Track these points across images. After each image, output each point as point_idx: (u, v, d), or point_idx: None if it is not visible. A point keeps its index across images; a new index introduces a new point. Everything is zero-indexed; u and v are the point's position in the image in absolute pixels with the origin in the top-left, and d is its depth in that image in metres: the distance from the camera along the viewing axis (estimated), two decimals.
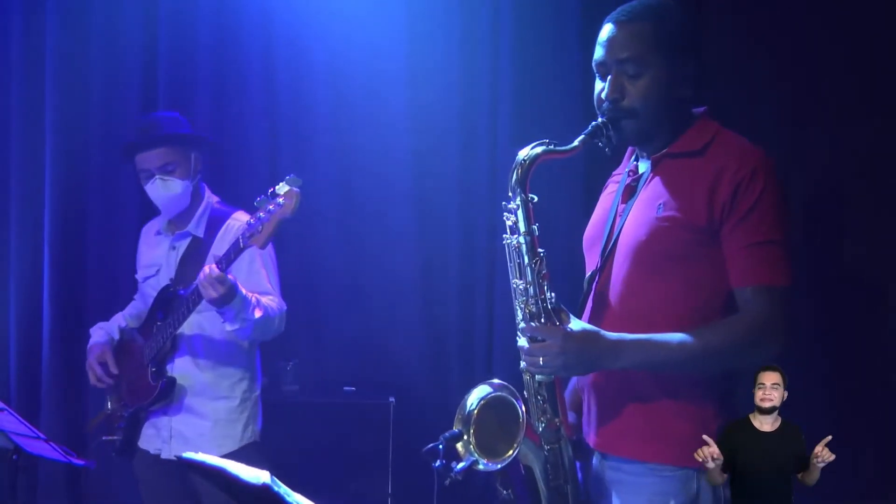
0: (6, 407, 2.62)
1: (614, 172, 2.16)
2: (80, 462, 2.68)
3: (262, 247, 2.53)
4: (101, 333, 3.06)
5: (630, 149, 2.09)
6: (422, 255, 3.67)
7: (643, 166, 2.03)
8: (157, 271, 2.99)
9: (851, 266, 3.04)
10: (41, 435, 2.66)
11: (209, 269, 2.61)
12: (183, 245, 2.95)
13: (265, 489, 1.49)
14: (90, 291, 3.78)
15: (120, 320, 3.13)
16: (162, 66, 3.73)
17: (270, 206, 2.47)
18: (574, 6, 3.43)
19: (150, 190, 2.91)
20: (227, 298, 2.64)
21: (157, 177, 2.87)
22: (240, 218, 2.88)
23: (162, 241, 3.02)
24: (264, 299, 2.82)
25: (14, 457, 2.70)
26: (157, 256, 3.02)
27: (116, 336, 3.07)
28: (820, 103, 3.05)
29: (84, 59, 3.75)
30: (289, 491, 1.52)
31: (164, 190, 2.88)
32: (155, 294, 2.93)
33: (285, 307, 2.91)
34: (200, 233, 2.93)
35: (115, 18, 3.74)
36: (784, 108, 3.10)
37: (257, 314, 2.74)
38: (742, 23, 3.16)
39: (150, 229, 3.11)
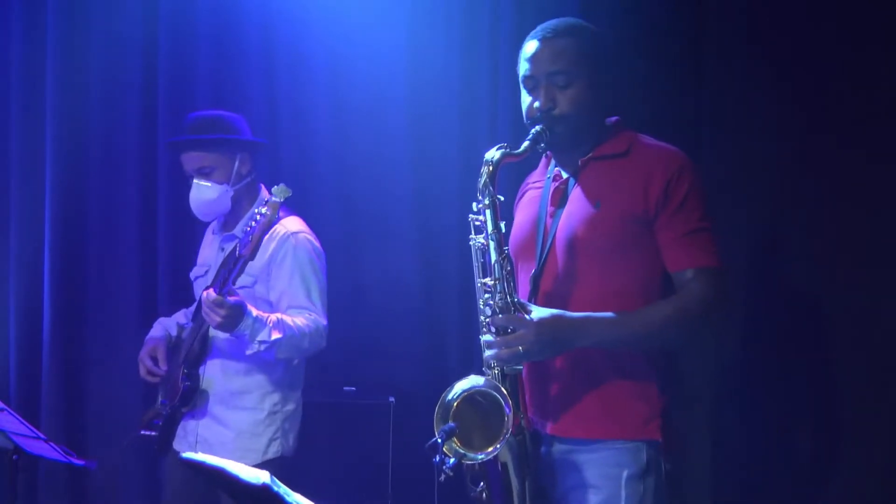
0: (6, 407, 2.62)
1: (528, 181, 2.34)
2: (80, 462, 2.68)
3: (251, 258, 2.50)
4: (158, 328, 3.04)
5: (545, 158, 2.28)
6: (422, 256, 3.67)
7: (565, 173, 2.20)
8: (206, 272, 2.96)
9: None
10: (41, 435, 2.66)
11: (206, 293, 2.57)
12: (229, 247, 2.86)
13: (265, 489, 1.49)
14: (90, 291, 3.78)
15: (180, 317, 3.10)
16: (162, 66, 3.73)
17: (258, 217, 2.47)
18: (574, 8, 3.43)
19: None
20: (234, 322, 2.58)
21: (194, 179, 2.85)
22: (287, 225, 2.82)
23: (214, 240, 3.00)
24: (295, 317, 2.75)
25: (14, 457, 2.71)
26: (208, 256, 3.00)
27: (174, 332, 3.04)
28: (818, 103, 3.05)
29: (84, 59, 3.76)
30: (289, 491, 1.52)
31: (198, 194, 2.85)
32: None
33: (324, 322, 2.83)
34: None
35: (115, 18, 3.74)
36: (782, 109, 3.10)
37: (275, 335, 2.66)
38: (740, 23, 3.16)
39: (210, 227, 3.08)
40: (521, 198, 2.35)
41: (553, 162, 2.25)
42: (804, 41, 3.04)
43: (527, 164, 2.28)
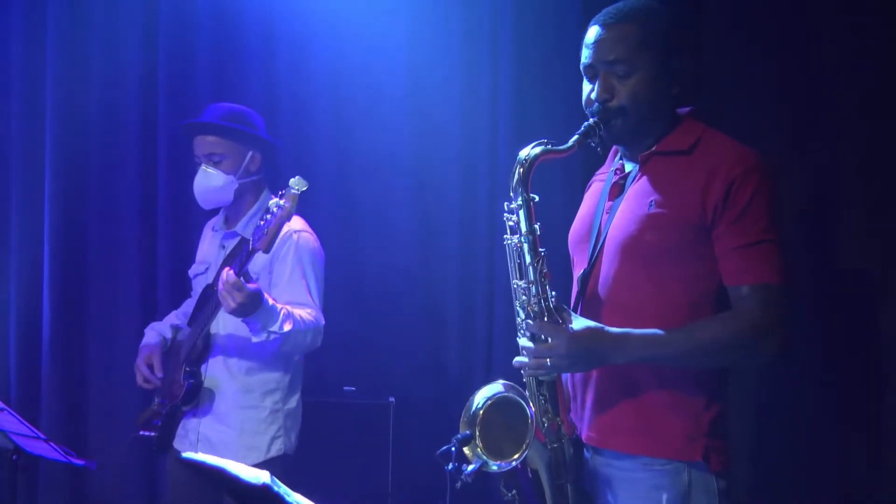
0: (6, 407, 2.62)
1: (598, 172, 2.19)
2: (80, 462, 2.67)
3: (266, 251, 2.50)
4: (152, 334, 3.04)
5: (614, 148, 2.11)
6: (422, 255, 3.67)
7: (629, 165, 2.05)
8: (206, 269, 2.96)
9: (849, 267, 3.04)
10: (41, 435, 2.66)
11: (225, 273, 2.54)
12: (231, 244, 2.88)
13: (265, 489, 1.49)
14: (90, 291, 3.78)
15: (173, 318, 3.11)
16: (162, 65, 3.73)
17: (274, 210, 2.47)
18: (574, 6, 3.43)
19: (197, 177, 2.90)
20: (250, 308, 2.56)
21: (202, 165, 2.87)
22: (291, 225, 2.79)
23: (215, 238, 3.00)
24: (299, 311, 2.74)
25: (14, 457, 2.71)
26: (208, 253, 3.00)
27: (169, 335, 3.04)
28: (819, 105, 3.04)
29: (84, 59, 3.76)
30: (289, 491, 1.52)
31: (204, 180, 2.87)
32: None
33: (323, 322, 2.83)
34: (248, 234, 2.84)
35: (115, 18, 3.74)
36: (782, 110, 3.09)
37: (286, 327, 2.65)
38: (740, 24, 3.16)
39: (210, 224, 3.09)
40: (587, 189, 2.19)
41: (620, 153, 2.09)
42: (804, 41, 3.04)
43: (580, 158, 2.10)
